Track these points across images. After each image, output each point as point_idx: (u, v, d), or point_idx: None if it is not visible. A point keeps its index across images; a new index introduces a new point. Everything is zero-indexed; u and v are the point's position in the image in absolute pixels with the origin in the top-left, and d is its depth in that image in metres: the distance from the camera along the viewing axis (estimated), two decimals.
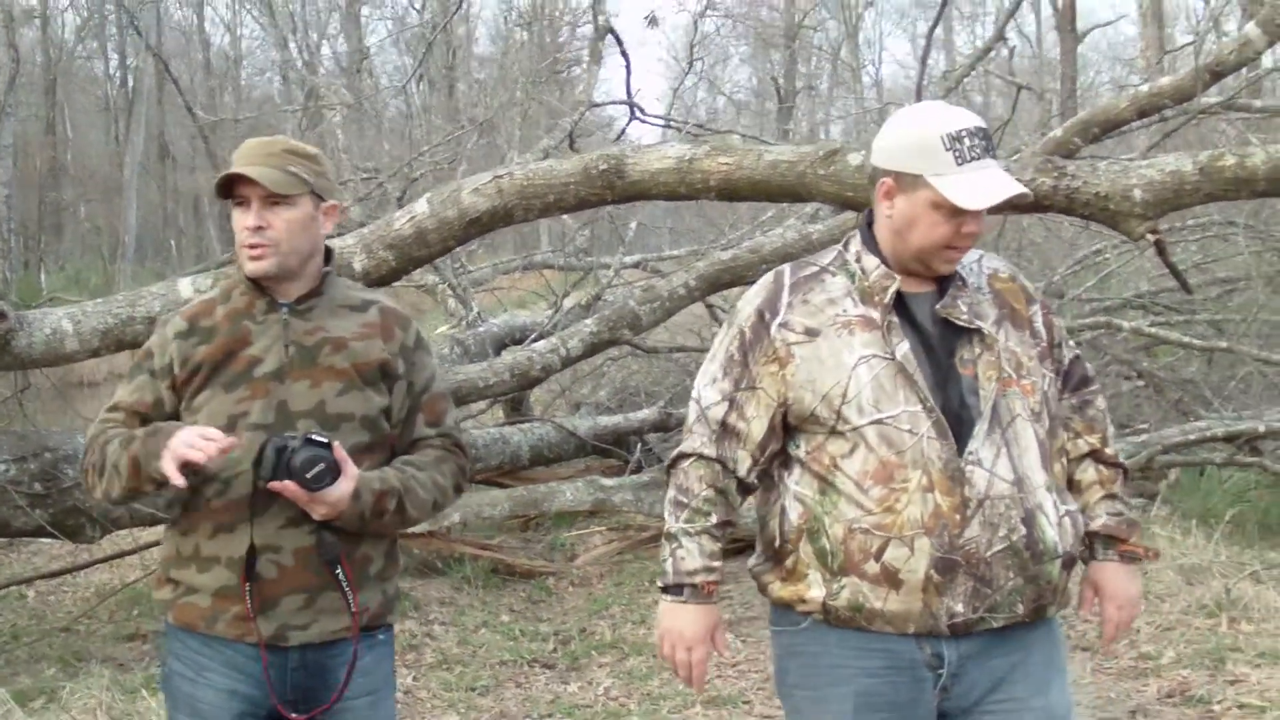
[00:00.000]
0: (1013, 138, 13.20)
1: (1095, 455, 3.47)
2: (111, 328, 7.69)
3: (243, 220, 3.63)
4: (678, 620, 3.55)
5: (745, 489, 3.56)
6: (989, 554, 3.28)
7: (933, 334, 3.41)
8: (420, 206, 8.12)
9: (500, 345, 12.82)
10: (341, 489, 3.48)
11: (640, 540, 10.29)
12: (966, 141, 3.34)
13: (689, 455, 3.55)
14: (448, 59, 28.62)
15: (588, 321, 11.11)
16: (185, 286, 7.83)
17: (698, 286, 11.21)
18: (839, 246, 3.59)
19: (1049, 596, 3.37)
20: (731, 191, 8.09)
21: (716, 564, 3.52)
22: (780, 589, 3.51)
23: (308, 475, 3.42)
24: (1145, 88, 9.30)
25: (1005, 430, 3.34)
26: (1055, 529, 3.34)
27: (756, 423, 3.47)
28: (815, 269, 3.55)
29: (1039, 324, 3.47)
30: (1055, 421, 3.44)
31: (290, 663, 3.60)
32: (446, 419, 3.90)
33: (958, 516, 3.27)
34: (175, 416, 3.67)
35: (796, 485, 3.46)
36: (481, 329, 12.83)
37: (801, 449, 3.46)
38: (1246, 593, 8.05)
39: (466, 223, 8.03)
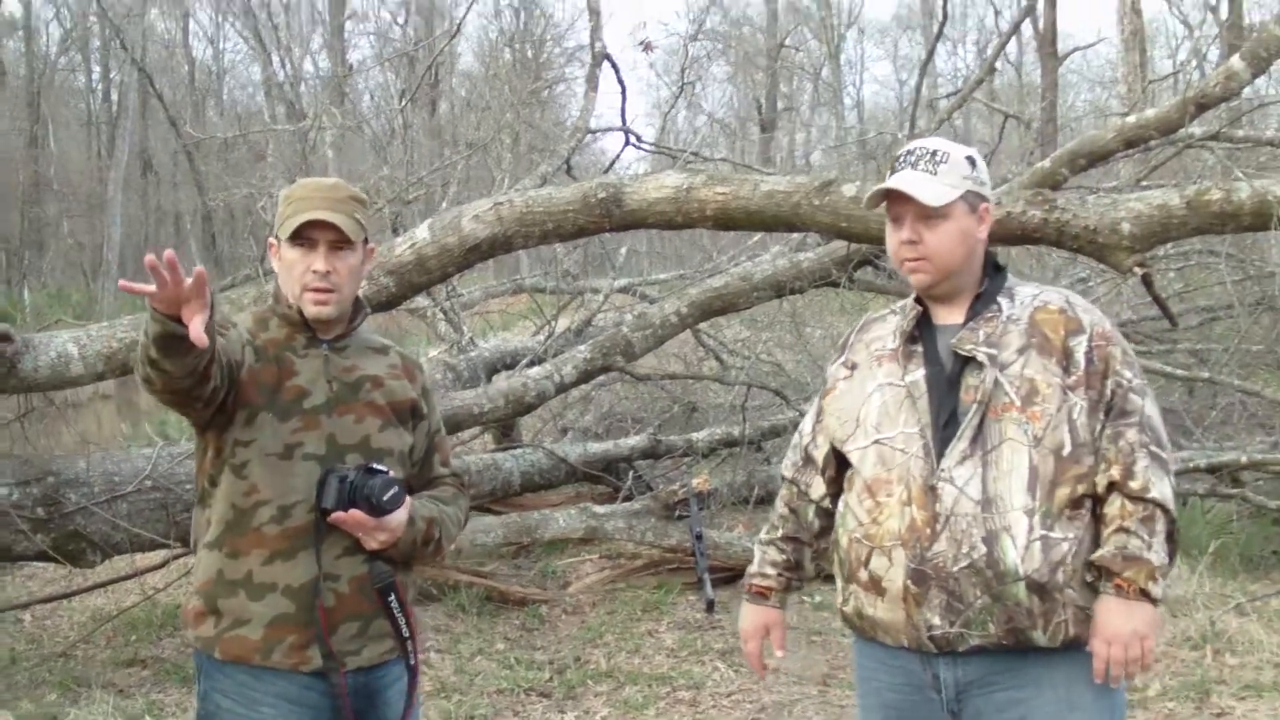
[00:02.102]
0: (998, 166, 13.27)
1: (1118, 488, 3.47)
2: (115, 351, 7.74)
3: (309, 262, 3.72)
4: (741, 617, 4.11)
5: (824, 512, 3.90)
6: (955, 569, 3.44)
7: (946, 362, 3.60)
8: (421, 233, 8.18)
9: (492, 370, 12.81)
10: (402, 515, 3.66)
11: (632, 569, 10.31)
12: (902, 157, 3.70)
13: (782, 478, 4.07)
14: (430, 77, 28.58)
15: (581, 348, 11.14)
16: None
17: (689, 313, 11.27)
18: None
19: (1023, 620, 3.43)
20: (728, 221, 8.20)
21: (772, 571, 3.99)
22: None
23: (385, 499, 3.58)
24: (1132, 119, 9.41)
25: (989, 452, 3.48)
26: (1019, 552, 3.41)
27: (823, 449, 3.85)
28: (886, 311, 3.87)
29: (1080, 354, 3.53)
30: (1080, 449, 3.48)
31: (346, 687, 3.68)
32: (452, 459, 4.15)
33: (928, 530, 3.47)
34: (234, 377, 3.66)
35: (839, 504, 3.79)
36: (473, 354, 12.81)
37: (846, 472, 3.77)
38: (1230, 625, 8.13)
39: (467, 249, 8.10)
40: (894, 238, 3.68)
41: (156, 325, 3.25)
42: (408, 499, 3.70)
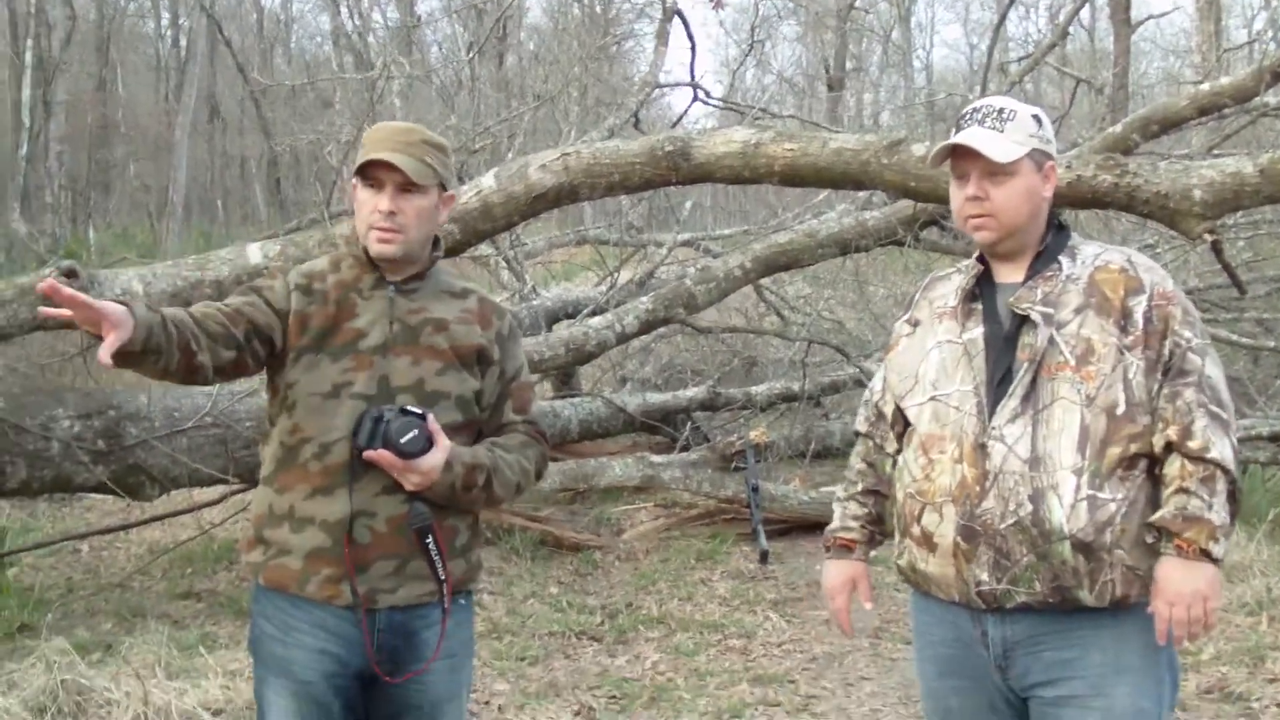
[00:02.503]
0: (1068, 130, 13.18)
1: (1176, 448, 3.43)
2: (180, 290, 7.77)
3: (375, 202, 3.75)
4: (824, 573, 4.11)
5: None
6: (1002, 527, 3.45)
7: (1005, 320, 3.60)
8: (487, 181, 8.19)
9: (553, 319, 12.85)
10: (434, 459, 3.63)
11: (687, 518, 10.36)
12: (968, 115, 3.67)
13: (856, 433, 4.07)
14: (499, 30, 28.59)
15: (644, 299, 11.16)
16: (254, 252, 7.93)
17: (753, 268, 11.27)
18: None
19: (1069, 579, 3.43)
20: (795, 177, 8.16)
21: (855, 524, 4.01)
22: None
23: (402, 441, 3.58)
24: (1206, 86, 9.32)
25: (1040, 411, 3.47)
26: (1065, 511, 3.41)
27: (891, 405, 3.85)
28: (952, 270, 3.86)
29: (1139, 314, 3.49)
30: (1134, 408, 3.46)
31: (378, 625, 3.71)
32: (531, 407, 4.08)
33: (978, 488, 3.49)
34: (272, 346, 3.75)
35: (898, 460, 3.81)
36: (535, 302, 12.85)
37: (907, 428, 3.78)
38: None
39: (533, 198, 8.10)
40: (958, 194, 3.66)
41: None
42: (444, 443, 3.68)
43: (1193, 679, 6.94)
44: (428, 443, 3.63)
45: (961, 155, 3.62)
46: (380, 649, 3.72)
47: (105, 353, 3.27)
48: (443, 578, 3.75)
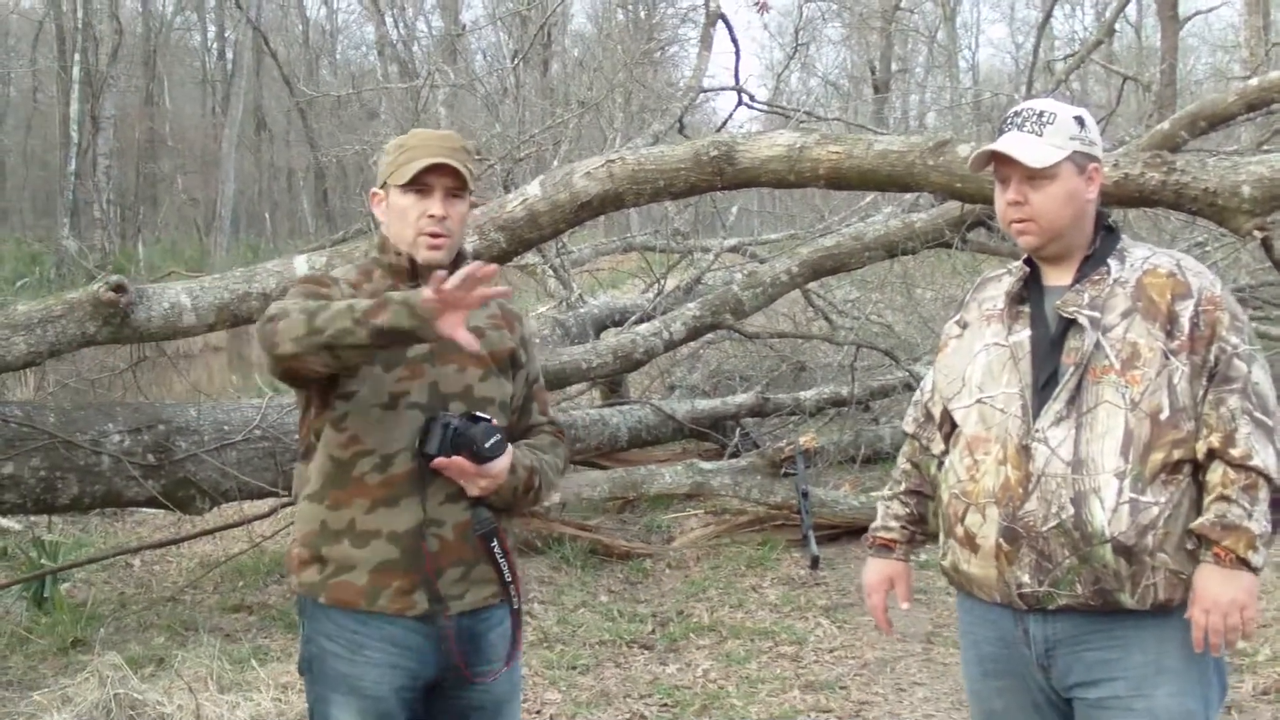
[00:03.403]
0: (1115, 128, 13.12)
1: (1219, 455, 3.41)
2: (228, 303, 7.82)
3: (425, 207, 3.74)
4: (864, 571, 4.11)
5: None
6: (1045, 529, 3.46)
7: (1051, 323, 3.60)
8: (533, 189, 8.20)
9: (600, 327, 12.88)
10: (504, 463, 3.67)
11: (737, 524, 10.31)
12: (1009, 118, 3.68)
13: (904, 434, 4.08)
14: (543, 36, 28.66)
15: (691, 305, 11.16)
16: (301, 264, 7.96)
17: (800, 273, 11.26)
18: None
19: (1110, 582, 3.42)
20: (840, 180, 8.16)
21: (895, 524, 4.04)
22: None
23: (486, 445, 3.60)
24: (1254, 81, 9.26)
25: (1084, 414, 3.47)
26: (1107, 514, 3.40)
27: (940, 407, 3.84)
28: (1003, 271, 3.85)
29: (1186, 318, 3.47)
30: (1179, 414, 3.44)
31: (449, 631, 3.72)
32: (549, 408, 4.16)
33: (1020, 490, 3.50)
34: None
35: (945, 461, 3.80)
36: (582, 310, 12.88)
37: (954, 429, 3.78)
38: None
39: (578, 206, 8.12)
40: (1001, 199, 3.66)
41: (410, 323, 3.31)
42: (510, 447, 3.72)
43: (1249, 680, 6.87)
44: (505, 446, 3.67)
45: (1001, 160, 3.61)
46: (450, 654, 3.73)
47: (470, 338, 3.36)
48: (509, 579, 3.80)
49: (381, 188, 3.85)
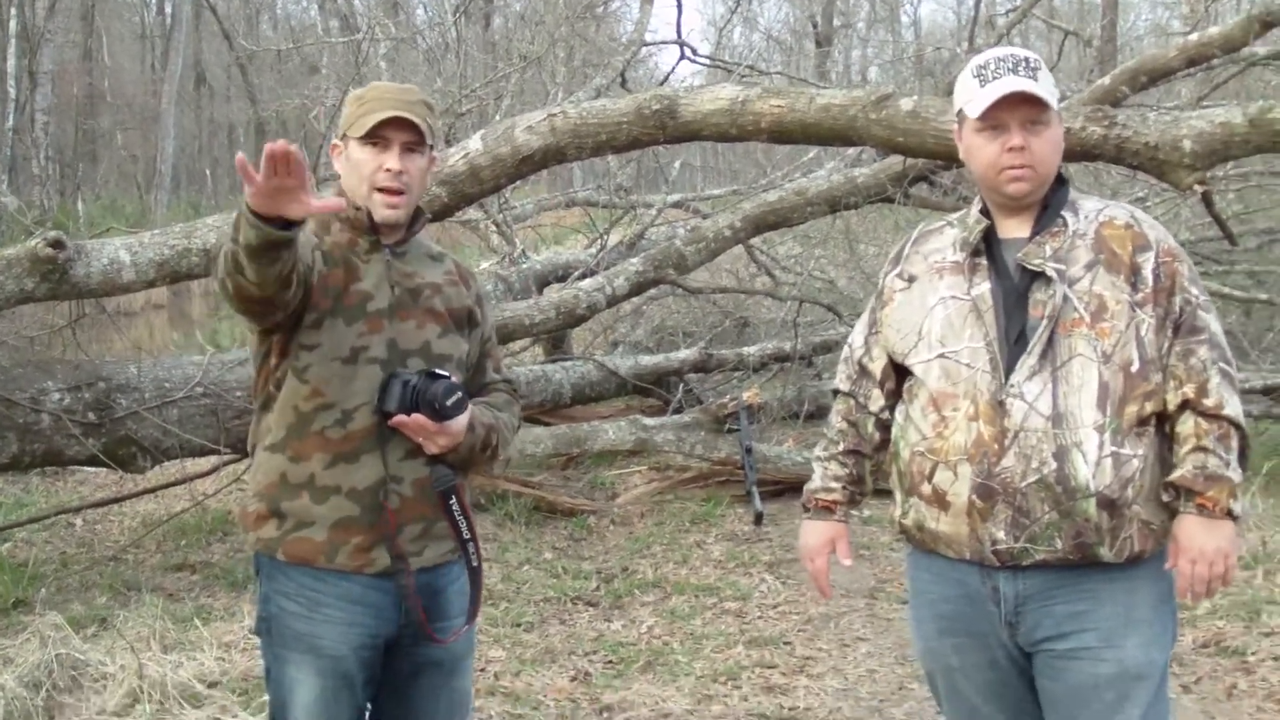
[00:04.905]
0: (1057, 84, 13.11)
1: (1192, 406, 3.44)
2: (168, 259, 7.76)
3: (381, 161, 3.68)
4: (803, 533, 4.01)
5: (883, 424, 3.84)
6: (1023, 484, 3.41)
7: (1014, 276, 3.54)
8: (474, 143, 8.15)
9: (543, 282, 12.82)
10: (464, 420, 3.66)
11: (681, 480, 10.35)
12: (992, 66, 3.56)
13: (835, 392, 3.99)
14: None
15: (634, 261, 11.13)
16: None
17: (743, 228, 11.24)
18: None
19: (1091, 535, 3.41)
20: (782, 134, 8.15)
21: (836, 485, 3.93)
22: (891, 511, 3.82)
23: (448, 403, 3.59)
24: (1194, 37, 9.24)
25: (1058, 368, 3.44)
26: (1090, 467, 3.38)
27: (879, 362, 3.82)
28: (942, 224, 3.80)
29: (1148, 270, 3.47)
30: (1148, 365, 3.45)
31: (410, 587, 3.70)
32: (503, 366, 4.14)
33: (996, 446, 3.44)
34: (308, 281, 3.59)
35: (897, 416, 3.75)
36: (525, 266, 12.83)
37: (905, 384, 3.74)
38: None
39: (520, 160, 8.08)
40: (992, 146, 3.54)
41: (253, 232, 3.18)
42: (469, 405, 3.70)
43: (1189, 633, 6.93)
44: (465, 404, 3.65)
45: (999, 106, 3.51)
46: (411, 610, 3.71)
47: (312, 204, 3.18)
48: (468, 537, 3.78)
49: (341, 139, 3.79)
